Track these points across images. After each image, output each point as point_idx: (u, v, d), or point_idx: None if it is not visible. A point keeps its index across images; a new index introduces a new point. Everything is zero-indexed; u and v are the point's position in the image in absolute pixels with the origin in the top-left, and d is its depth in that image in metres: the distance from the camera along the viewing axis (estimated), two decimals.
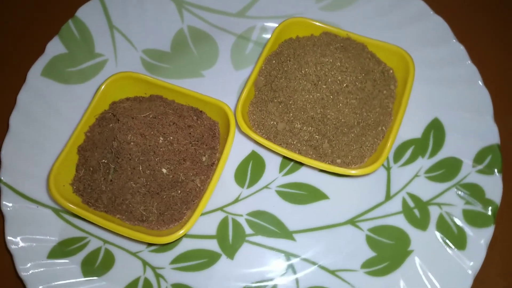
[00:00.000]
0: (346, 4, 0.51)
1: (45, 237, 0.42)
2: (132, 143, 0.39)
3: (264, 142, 0.40)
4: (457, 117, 0.45)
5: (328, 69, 0.39)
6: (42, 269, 0.41)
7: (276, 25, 0.51)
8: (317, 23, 0.45)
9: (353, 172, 0.39)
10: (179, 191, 0.40)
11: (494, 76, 0.49)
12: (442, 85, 0.46)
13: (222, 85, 0.49)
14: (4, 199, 0.43)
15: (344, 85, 0.39)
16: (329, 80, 0.39)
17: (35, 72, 0.48)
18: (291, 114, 0.41)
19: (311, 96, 0.39)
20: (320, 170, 0.44)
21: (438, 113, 0.45)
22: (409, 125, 0.45)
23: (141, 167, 0.39)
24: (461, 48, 0.47)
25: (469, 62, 0.46)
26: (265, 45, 0.45)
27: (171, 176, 0.40)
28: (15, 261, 0.41)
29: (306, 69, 0.39)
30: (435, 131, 0.45)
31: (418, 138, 0.45)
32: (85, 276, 0.41)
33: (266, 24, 0.52)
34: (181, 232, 0.38)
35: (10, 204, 0.43)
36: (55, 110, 0.48)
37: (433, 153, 0.44)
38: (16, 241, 0.41)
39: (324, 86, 0.39)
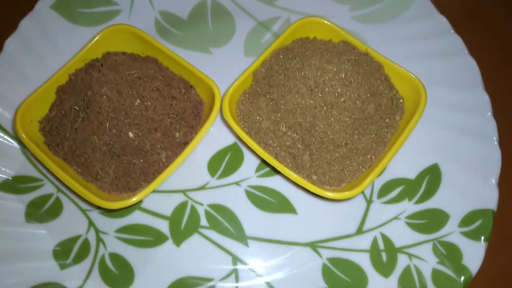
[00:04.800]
0: (380, 20, 0.48)
1: (1, 168, 0.41)
2: (105, 96, 0.37)
3: (242, 135, 0.37)
4: (459, 170, 0.40)
5: (329, 77, 0.36)
6: None
7: None
8: (337, 29, 0.41)
9: (329, 194, 0.36)
10: (141, 160, 0.38)
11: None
12: (453, 131, 0.42)
13: (225, 67, 0.46)
14: None
15: (342, 99, 0.36)
16: (327, 89, 0.36)
17: (45, 3, 0.47)
18: (279, 115, 0.37)
19: (303, 101, 0.36)
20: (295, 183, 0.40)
21: (440, 160, 0.41)
22: (405, 163, 0.42)
23: (108, 124, 0.37)
24: (485, 98, 0.42)
25: (490, 114, 0.42)
26: (278, 37, 0.42)
27: (136, 143, 0.37)
28: None
29: (307, 72, 0.36)
30: (431, 178, 0.41)
31: (411, 179, 0.41)
32: (26, 219, 0.39)
33: (291, 18, 0.49)
34: (132, 200, 0.36)
35: None
36: (53, 46, 0.46)
37: (421, 200, 0.40)
38: None
39: (320, 95, 0.36)
